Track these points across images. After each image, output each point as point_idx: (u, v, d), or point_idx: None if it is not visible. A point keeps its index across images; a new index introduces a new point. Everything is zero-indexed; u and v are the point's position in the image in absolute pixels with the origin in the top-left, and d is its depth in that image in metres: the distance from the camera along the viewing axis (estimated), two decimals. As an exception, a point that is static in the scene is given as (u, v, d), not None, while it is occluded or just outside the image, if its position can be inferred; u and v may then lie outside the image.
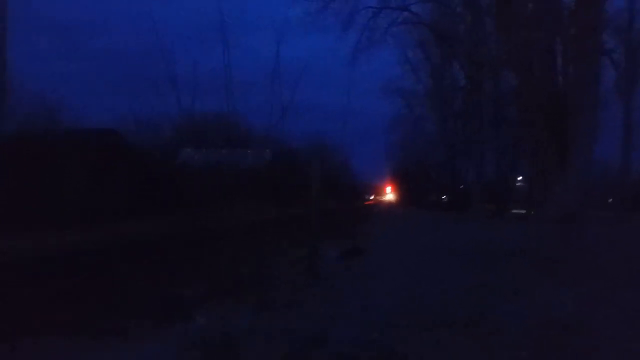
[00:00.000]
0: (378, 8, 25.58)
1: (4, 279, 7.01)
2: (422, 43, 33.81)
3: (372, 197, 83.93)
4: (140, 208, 16.04)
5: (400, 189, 63.85)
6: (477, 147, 29.50)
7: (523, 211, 30.66)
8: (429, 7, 29.07)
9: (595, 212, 19.71)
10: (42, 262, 8.91)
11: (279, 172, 23.84)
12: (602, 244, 10.05)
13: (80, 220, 12.89)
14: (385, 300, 5.46)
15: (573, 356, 3.66)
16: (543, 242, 9.82)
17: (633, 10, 24.22)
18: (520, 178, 36.84)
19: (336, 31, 29.79)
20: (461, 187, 37.92)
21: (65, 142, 15.04)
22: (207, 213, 15.36)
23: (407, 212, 34.15)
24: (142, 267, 8.44)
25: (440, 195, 44.70)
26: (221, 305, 5.13)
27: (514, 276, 6.98)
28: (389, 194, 76.44)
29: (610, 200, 32.24)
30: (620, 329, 4.28)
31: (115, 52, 49.46)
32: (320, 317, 4.69)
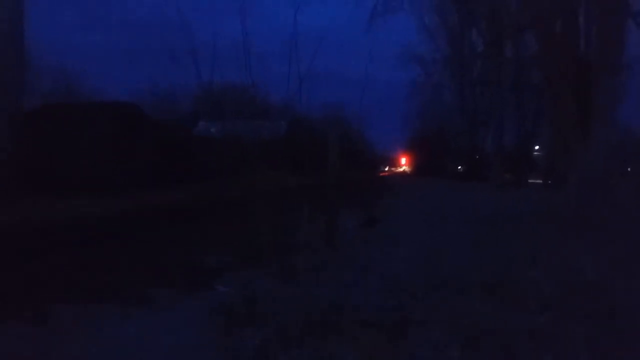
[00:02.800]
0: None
1: (31, 246, 7.24)
2: (440, 8, 33.07)
3: (387, 168, 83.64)
4: (159, 179, 16.27)
5: (417, 159, 63.35)
6: (496, 115, 29.05)
7: (540, 181, 30.36)
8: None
9: (616, 180, 19.39)
10: (66, 230, 9.16)
11: (296, 142, 23.88)
12: (625, 210, 9.94)
13: (101, 191, 13.15)
14: (403, 268, 5.51)
15: (593, 322, 3.66)
16: (564, 208, 9.76)
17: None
18: (537, 148, 36.35)
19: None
20: (477, 157, 37.55)
21: (84, 116, 15.23)
22: (226, 183, 15.54)
23: (424, 183, 34.00)
24: (165, 235, 8.63)
25: (457, 165, 44.36)
26: (243, 273, 5.23)
27: (534, 242, 6.97)
28: (405, 165, 76.06)
29: (629, 169, 31.64)
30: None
31: (134, 24, 49.35)
32: (339, 284, 4.77)
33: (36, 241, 7.87)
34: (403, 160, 77.14)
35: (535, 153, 36.94)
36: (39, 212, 10.70)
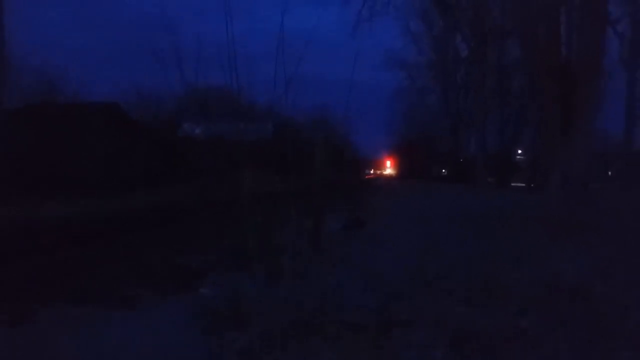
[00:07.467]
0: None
1: (12, 246, 7.12)
2: (425, 13, 33.30)
3: (372, 171, 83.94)
4: (143, 180, 16.12)
5: (401, 163, 63.70)
6: (480, 119, 29.36)
7: (522, 184, 30.77)
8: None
9: (596, 183, 19.73)
10: (48, 231, 9.03)
11: (282, 145, 23.84)
12: (608, 212, 10.13)
13: (84, 191, 12.98)
14: (389, 269, 5.53)
15: (576, 324, 3.69)
16: (549, 210, 9.89)
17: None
18: (520, 152, 36.82)
19: (339, 2, 29.23)
20: (461, 160, 37.91)
21: (68, 115, 15.03)
22: (212, 185, 15.45)
23: (408, 185, 34.19)
24: (149, 237, 8.56)
25: (441, 169, 44.68)
26: (229, 275, 5.21)
27: (518, 243, 7.03)
28: (390, 168, 76.27)
29: (610, 172, 32.19)
30: (627, 296, 4.31)
31: (118, 24, 48.89)
32: (325, 286, 4.77)
33: (17, 242, 7.74)
34: (388, 164, 77.44)
35: (518, 157, 37.43)
36: (21, 212, 10.53)
